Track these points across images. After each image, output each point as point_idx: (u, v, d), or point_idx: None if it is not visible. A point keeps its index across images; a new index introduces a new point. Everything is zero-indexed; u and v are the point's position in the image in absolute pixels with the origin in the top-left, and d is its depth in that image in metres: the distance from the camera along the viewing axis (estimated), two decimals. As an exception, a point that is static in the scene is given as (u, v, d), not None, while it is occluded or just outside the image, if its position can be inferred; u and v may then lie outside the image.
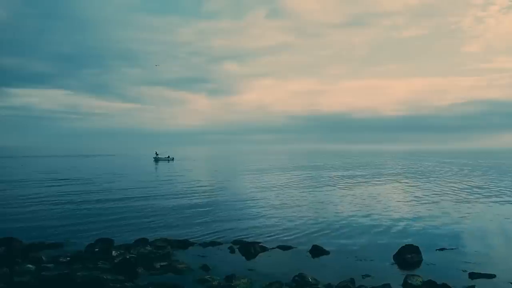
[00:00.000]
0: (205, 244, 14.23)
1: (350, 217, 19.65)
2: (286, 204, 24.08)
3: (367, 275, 10.84)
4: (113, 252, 12.34)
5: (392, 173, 51.85)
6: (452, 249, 13.77)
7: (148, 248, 13.19)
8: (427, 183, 37.31)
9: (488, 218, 19.65)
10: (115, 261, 11.42)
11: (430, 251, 13.28)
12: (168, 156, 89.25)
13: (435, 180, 41.09)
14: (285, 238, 15.29)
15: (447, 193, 29.48)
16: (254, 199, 26.06)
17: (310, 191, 30.82)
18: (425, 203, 24.64)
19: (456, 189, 32.49)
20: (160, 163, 78.55)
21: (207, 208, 22.14)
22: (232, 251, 13.51)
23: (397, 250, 12.65)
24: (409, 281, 10.04)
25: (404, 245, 12.83)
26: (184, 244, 14.08)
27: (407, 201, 25.33)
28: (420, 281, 10.04)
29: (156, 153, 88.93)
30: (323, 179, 41.98)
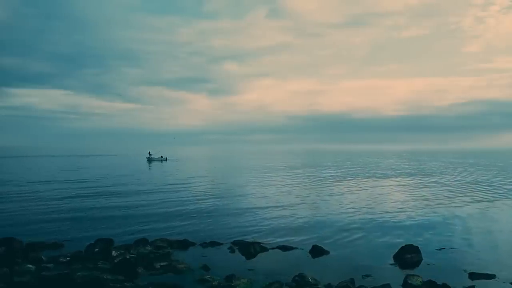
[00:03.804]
0: (205, 244, 14.22)
1: (350, 217, 19.65)
2: (286, 204, 24.06)
3: (367, 275, 10.85)
4: (113, 252, 12.34)
5: (399, 173, 51.82)
6: (452, 249, 13.77)
7: (148, 248, 13.19)
8: (431, 183, 37.29)
9: (489, 218, 19.63)
10: (115, 261, 11.41)
11: (430, 251, 13.28)
12: (161, 156, 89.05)
13: (439, 180, 41.06)
14: (285, 238, 15.28)
15: (448, 193, 29.46)
16: (254, 200, 26.06)
17: (310, 192, 30.80)
18: (426, 203, 24.61)
19: (457, 189, 32.46)
20: (153, 163, 78.20)
21: (207, 208, 22.14)
22: (232, 251, 13.51)
23: (397, 250, 12.66)
24: (409, 281, 10.04)
25: (404, 245, 12.84)
26: (184, 244, 14.08)
27: (408, 201, 25.29)
28: (420, 281, 10.03)
29: (149, 153, 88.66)
30: (322, 179, 41.95)
